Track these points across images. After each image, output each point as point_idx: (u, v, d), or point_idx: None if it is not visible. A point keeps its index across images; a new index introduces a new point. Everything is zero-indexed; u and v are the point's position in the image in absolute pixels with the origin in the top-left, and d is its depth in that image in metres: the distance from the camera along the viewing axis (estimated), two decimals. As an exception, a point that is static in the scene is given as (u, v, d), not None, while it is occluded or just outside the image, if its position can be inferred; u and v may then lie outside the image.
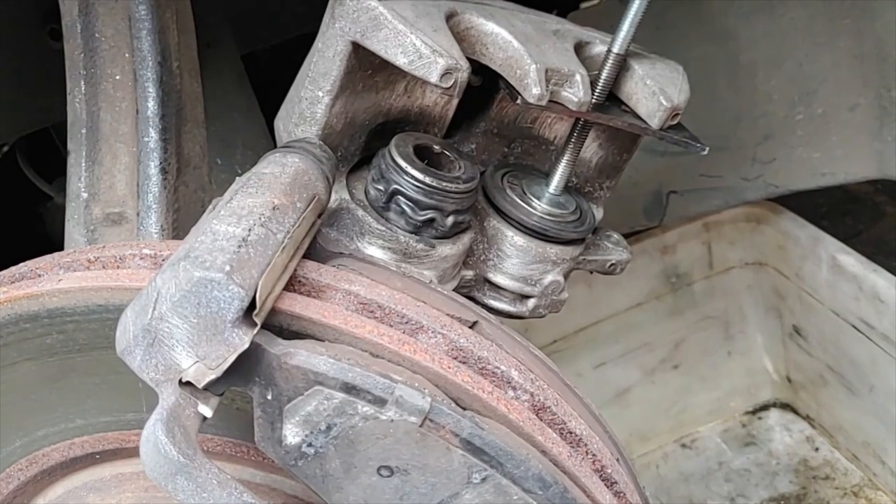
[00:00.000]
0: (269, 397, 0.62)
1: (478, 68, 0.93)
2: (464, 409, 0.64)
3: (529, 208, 1.00)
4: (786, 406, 2.17)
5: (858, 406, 1.96)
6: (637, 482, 0.79)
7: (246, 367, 0.61)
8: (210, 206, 0.73)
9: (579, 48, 0.99)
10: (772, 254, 2.07)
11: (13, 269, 0.74)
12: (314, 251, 0.75)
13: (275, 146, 0.95)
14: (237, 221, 0.64)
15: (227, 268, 0.59)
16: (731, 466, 2.08)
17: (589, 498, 0.68)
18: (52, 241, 1.92)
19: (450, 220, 0.90)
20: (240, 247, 0.61)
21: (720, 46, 1.70)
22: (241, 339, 0.59)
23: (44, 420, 0.76)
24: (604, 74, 0.96)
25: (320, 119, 0.89)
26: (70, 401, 0.74)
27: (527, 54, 0.89)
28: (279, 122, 0.96)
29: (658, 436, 2.12)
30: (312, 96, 0.89)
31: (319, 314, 0.65)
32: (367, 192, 0.92)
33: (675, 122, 0.99)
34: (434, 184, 0.87)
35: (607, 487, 0.72)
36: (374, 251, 0.89)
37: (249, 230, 0.63)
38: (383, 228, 0.89)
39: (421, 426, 0.61)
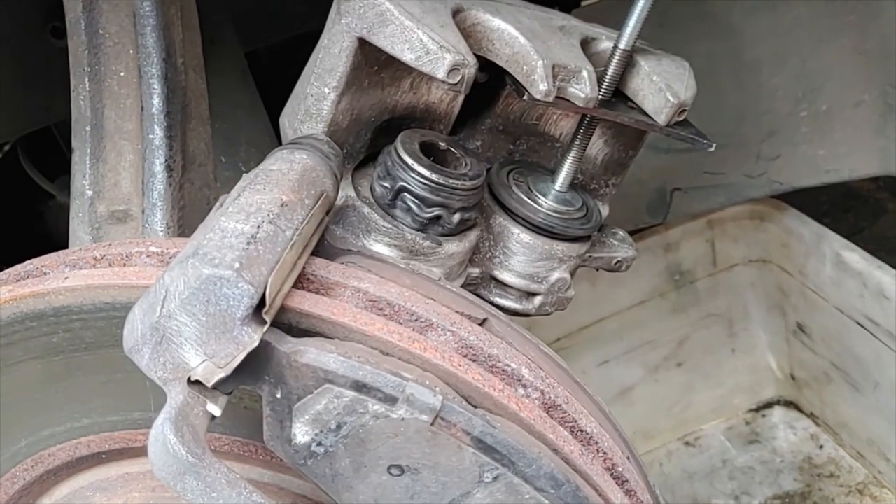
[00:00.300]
0: (279, 396, 0.61)
1: (484, 65, 0.92)
2: (475, 407, 0.63)
3: (535, 205, 0.99)
4: (790, 404, 2.17)
5: (863, 403, 1.95)
6: (647, 480, 0.78)
7: (255, 365, 0.60)
8: (217, 203, 0.73)
9: (585, 44, 0.99)
10: (775, 251, 2.07)
11: (18, 267, 0.73)
12: (322, 248, 0.74)
13: (279, 143, 0.94)
14: (246, 218, 0.63)
15: (237, 265, 0.58)
16: (735, 464, 2.08)
17: (600, 496, 0.67)
18: (53, 240, 1.92)
19: (456, 217, 0.89)
20: (249, 244, 0.60)
21: (724, 43, 1.70)
22: (251, 337, 0.59)
23: (49, 419, 0.75)
24: (610, 71, 0.96)
25: (326, 116, 0.89)
26: (76, 400, 0.73)
27: (533, 50, 0.89)
28: (284, 119, 0.95)
29: (662, 434, 2.12)
30: (318, 93, 0.89)
31: (329, 312, 0.65)
32: (372, 190, 0.91)
33: (681, 118, 0.98)
34: (440, 181, 0.87)
35: (618, 486, 0.72)
36: (380, 248, 0.88)
37: (258, 227, 0.62)
38: (389, 226, 0.88)
39: (432, 424, 0.61)
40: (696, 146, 0.98)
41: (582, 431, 0.70)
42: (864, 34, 1.64)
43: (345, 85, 0.88)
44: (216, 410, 0.59)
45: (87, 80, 0.94)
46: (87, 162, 0.94)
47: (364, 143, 0.95)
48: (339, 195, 0.90)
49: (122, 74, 0.93)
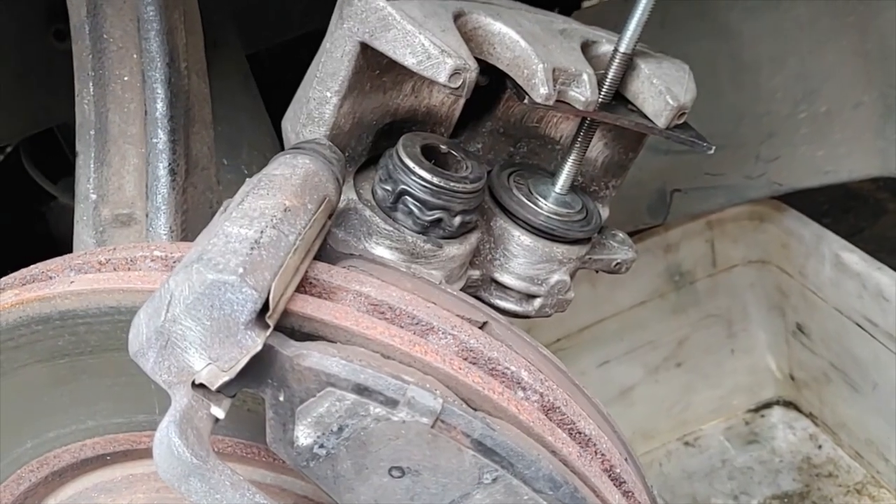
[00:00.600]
0: (282, 399, 0.62)
1: (484, 68, 0.93)
2: (475, 409, 0.64)
3: (536, 208, 1.00)
4: (789, 404, 2.18)
5: (861, 404, 1.96)
6: (645, 481, 0.79)
7: (258, 368, 0.61)
8: (221, 208, 0.74)
9: (586, 47, 0.99)
10: (775, 252, 2.07)
11: (24, 270, 0.74)
12: (325, 252, 0.75)
13: (281, 147, 0.95)
14: (249, 223, 0.64)
15: (241, 270, 0.59)
16: (735, 464, 2.08)
17: (598, 498, 0.68)
18: (55, 241, 1.93)
19: (457, 219, 0.90)
20: (252, 249, 0.61)
21: (723, 43, 1.70)
22: (254, 341, 0.59)
23: (54, 422, 0.76)
24: (610, 74, 0.96)
25: (328, 120, 0.89)
26: (81, 402, 0.74)
27: (534, 54, 0.89)
28: (287, 123, 0.96)
29: (661, 434, 2.12)
30: (321, 97, 0.89)
31: (331, 316, 0.66)
32: (374, 193, 0.92)
33: (681, 121, 0.99)
34: (441, 184, 0.87)
35: (616, 487, 0.72)
36: (381, 251, 0.89)
37: (261, 232, 0.63)
38: (391, 229, 0.89)
39: (432, 427, 0.61)
40: (696, 149, 0.98)
41: (580, 433, 0.71)
42: (864, 35, 1.64)
43: (347, 89, 0.88)
44: (220, 413, 0.60)
45: (91, 84, 0.94)
46: (92, 166, 0.94)
47: (366, 147, 0.96)
48: (341, 198, 0.90)
49: (125, 78, 0.94)
